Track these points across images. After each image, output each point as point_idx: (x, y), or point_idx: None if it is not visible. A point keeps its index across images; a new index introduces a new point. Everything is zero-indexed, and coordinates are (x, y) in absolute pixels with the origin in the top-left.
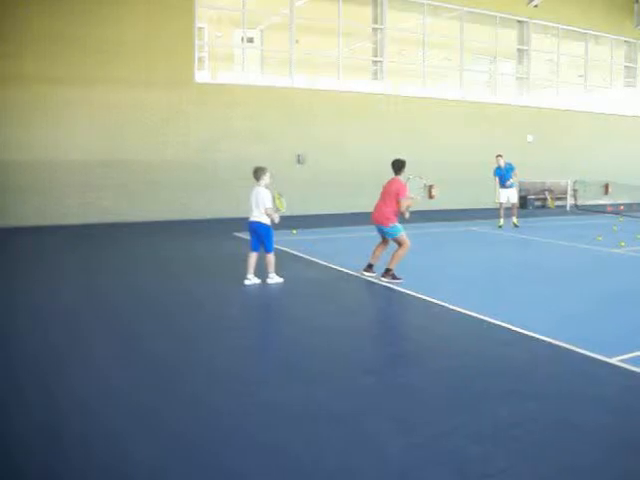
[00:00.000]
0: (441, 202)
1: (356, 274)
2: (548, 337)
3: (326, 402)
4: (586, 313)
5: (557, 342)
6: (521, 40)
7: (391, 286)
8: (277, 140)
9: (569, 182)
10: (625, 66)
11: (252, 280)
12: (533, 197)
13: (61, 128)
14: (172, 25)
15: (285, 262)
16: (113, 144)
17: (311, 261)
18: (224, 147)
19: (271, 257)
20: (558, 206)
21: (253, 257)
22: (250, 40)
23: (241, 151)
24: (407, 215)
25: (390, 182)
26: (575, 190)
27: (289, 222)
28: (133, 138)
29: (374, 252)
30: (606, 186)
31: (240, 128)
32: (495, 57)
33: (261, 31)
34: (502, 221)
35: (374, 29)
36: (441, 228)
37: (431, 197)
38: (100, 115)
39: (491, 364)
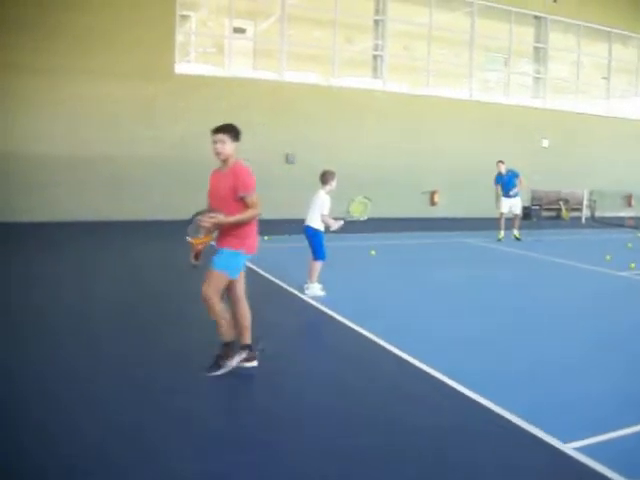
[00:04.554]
0: (444, 209)
1: (295, 291)
2: (485, 399)
3: None
4: (547, 372)
5: (497, 409)
6: (538, 38)
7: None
8: (264, 138)
9: (585, 192)
10: None
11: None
12: (538, 207)
13: (22, 119)
14: (150, 11)
15: None
16: (79, 139)
17: (258, 274)
18: (204, 144)
19: (316, 265)
20: (573, 217)
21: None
22: (242, 31)
23: None
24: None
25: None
26: (593, 201)
27: (273, 226)
28: (102, 133)
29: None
30: (629, 198)
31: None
32: (509, 55)
33: (254, 22)
34: (502, 233)
35: (375, 21)
36: (432, 239)
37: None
38: (66, 107)
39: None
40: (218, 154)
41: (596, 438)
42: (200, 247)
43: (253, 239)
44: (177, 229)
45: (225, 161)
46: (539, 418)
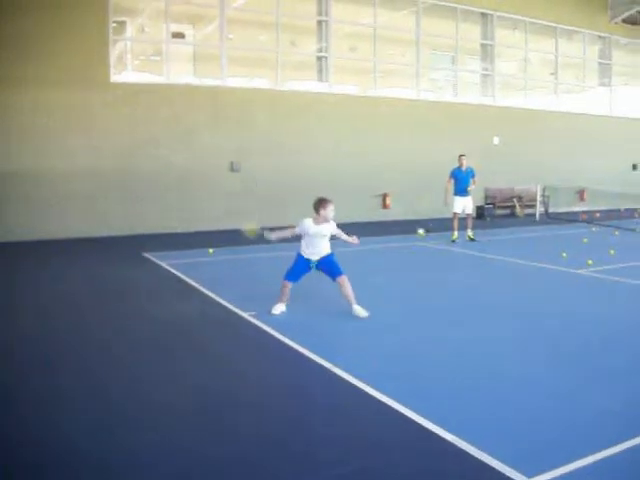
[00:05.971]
0: (395, 212)
1: (242, 313)
2: (436, 426)
3: None
4: (489, 384)
5: (453, 440)
6: (485, 35)
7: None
8: (208, 145)
9: (539, 188)
10: (599, 63)
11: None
12: (491, 205)
13: None
14: (82, 18)
15: (168, 292)
16: (10, 152)
17: (199, 292)
18: (147, 154)
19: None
20: (527, 214)
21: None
22: (181, 36)
23: (165, 158)
24: None
25: None
26: (546, 196)
27: (216, 239)
28: (34, 145)
29: None
30: (581, 192)
31: (164, 132)
32: (456, 53)
33: (194, 26)
34: (456, 234)
35: (319, 22)
36: (384, 243)
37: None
38: None
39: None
40: None
41: (560, 470)
42: None
43: None
44: (122, 245)
45: None
46: (488, 441)
